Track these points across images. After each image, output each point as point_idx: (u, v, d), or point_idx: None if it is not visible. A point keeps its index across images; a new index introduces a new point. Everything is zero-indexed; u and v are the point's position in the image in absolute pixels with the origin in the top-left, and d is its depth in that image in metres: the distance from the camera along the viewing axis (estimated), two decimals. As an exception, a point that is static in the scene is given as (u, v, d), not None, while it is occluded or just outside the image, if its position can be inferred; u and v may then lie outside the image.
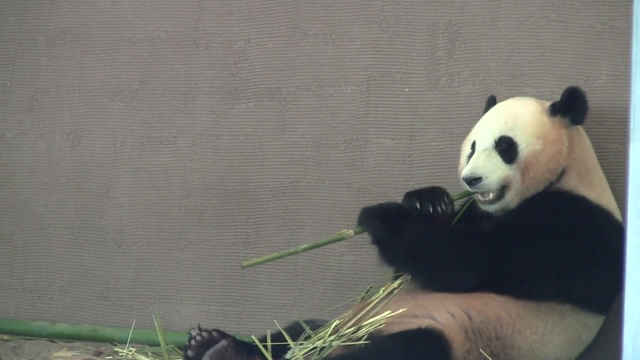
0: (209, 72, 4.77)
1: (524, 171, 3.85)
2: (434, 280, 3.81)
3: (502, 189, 3.87)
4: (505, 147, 3.87)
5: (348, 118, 4.55)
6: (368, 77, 4.54)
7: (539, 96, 4.10)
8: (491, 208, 3.90)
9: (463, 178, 3.88)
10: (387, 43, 4.52)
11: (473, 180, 3.85)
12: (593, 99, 4.08)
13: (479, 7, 4.39)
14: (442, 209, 3.85)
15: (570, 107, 3.88)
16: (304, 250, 3.94)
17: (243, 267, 3.88)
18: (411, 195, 3.89)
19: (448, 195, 3.89)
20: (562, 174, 3.86)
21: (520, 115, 3.90)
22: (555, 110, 3.89)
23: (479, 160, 3.88)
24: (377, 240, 3.82)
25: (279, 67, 4.67)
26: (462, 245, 3.78)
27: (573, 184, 3.87)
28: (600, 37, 4.21)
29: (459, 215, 3.97)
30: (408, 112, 4.47)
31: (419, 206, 3.83)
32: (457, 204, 3.99)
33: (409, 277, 3.88)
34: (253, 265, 3.86)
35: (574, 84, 4.02)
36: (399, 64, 4.50)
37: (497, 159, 3.87)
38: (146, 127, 4.84)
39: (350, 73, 4.57)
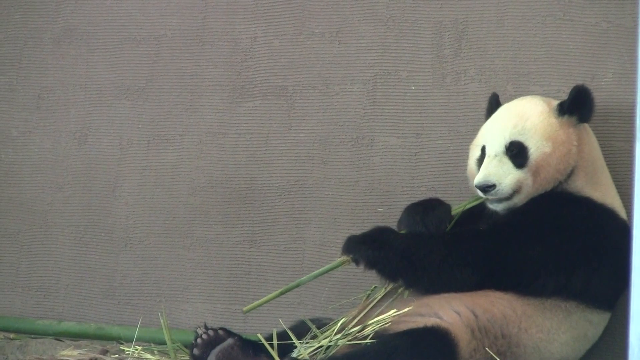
0: (215, 71, 4.77)
1: (534, 174, 3.86)
2: (436, 283, 3.80)
3: (513, 192, 3.88)
4: (516, 152, 3.88)
5: (354, 116, 4.55)
6: (374, 76, 4.54)
7: (545, 94, 4.10)
8: (499, 207, 3.92)
9: (476, 185, 3.88)
10: (393, 41, 4.52)
11: (487, 188, 3.87)
12: (599, 97, 4.08)
13: (485, 5, 4.39)
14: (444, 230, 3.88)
15: (577, 105, 3.89)
16: (305, 282, 3.97)
17: (244, 313, 3.95)
18: (413, 214, 3.90)
19: (450, 212, 3.91)
20: (570, 173, 3.87)
21: (528, 118, 3.90)
22: (563, 109, 3.90)
23: (491, 166, 3.89)
24: (370, 262, 3.82)
25: (285, 66, 4.67)
26: (458, 244, 3.79)
27: (580, 185, 3.89)
28: (607, 36, 4.21)
29: (455, 219, 3.95)
30: (414, 110, 4.47)
31: (422, 228, 3.85)
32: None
33: (406, 289, 3.89)
34: (254, 309, 3.92)
35: (580, 82, 4.02)
36: (405, 62, 4.50)
37: (508, 165, 3.89)
38: (152, 125, 4.84)
39: (356, 71, 4.56)
